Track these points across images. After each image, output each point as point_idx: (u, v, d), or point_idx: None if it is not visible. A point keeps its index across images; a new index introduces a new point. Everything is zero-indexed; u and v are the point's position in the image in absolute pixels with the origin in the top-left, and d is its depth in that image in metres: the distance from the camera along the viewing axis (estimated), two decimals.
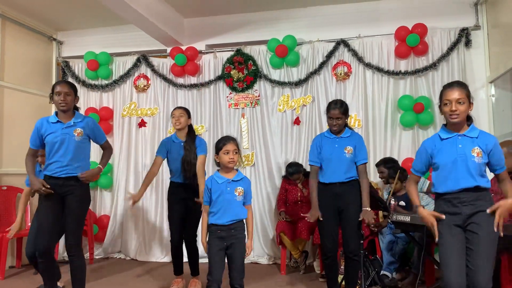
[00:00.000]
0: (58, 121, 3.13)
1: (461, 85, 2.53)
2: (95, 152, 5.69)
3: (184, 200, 3.78)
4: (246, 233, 2.82)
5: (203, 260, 4.94)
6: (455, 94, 2.46)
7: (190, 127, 3.96)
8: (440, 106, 2.58)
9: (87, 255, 5.26)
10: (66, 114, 3.16)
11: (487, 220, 2.39)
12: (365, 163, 3.32)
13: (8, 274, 4.57)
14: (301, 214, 4.22)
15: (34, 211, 4.27)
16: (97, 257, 5.40)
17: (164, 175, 5.24)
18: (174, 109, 4.00)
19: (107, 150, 3.39)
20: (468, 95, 2.50)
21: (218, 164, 2.83)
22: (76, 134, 3.11)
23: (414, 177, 2.72)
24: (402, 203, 4.10)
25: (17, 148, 5.18)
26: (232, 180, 2.76)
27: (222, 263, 2.73)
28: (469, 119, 2.56)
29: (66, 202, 3.07)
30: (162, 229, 5.31)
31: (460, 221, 2.45)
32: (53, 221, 3.02)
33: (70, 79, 5.80)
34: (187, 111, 3.94)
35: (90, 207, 5.47)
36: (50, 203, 3.05)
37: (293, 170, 4.70)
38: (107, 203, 5.66)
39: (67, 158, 3.06)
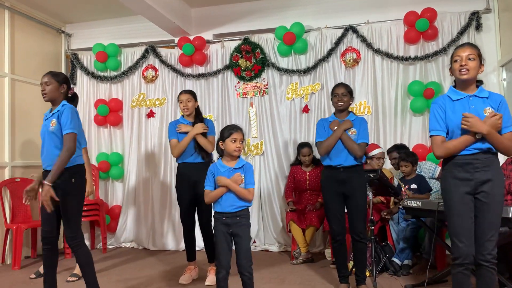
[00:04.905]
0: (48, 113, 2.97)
1: (473, 45, 2.54)
2: (105, 142, 5.78)
3: (195, 183, 3.70)
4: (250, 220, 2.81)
5: None
6: (466, 52, 2.46)
7: (198, 110, 3.93)
8: (450, 68, 2.56)
9: (100, 245, 5.35)
10: (54, 106, 2.96)
11: (496, 190, 2.40)
12: (365, 143, 3.32)
13: (23, 264, 4.65)
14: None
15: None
16: (110, 246, 5.48)
17: (173, 163, 5.28)
18: (180, 93, 3.89)
19: (61, 151, 2.83)
20: (480, 55, 2.49)
21: (220, 151, 2.81)
22: (51, 125, 2.89)
23: (438, 138, 2.50)
24: (414, 186, 4.09)
25: (29, 141, 5.26)
26: (234, 168, 2.74)
27: (229, 249, 2.72)
28: (478, 81, 2.53)
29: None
30: (174, 218, 5.35)
31: (471, 188, 2.43)
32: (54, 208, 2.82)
33: (79, 71, 5.86)
34: (193, 95, 3.89)
35: (103, 198, 5.59)
36: None
37: (302, 144, 4.78)
38: (118, 194, 5.72)
39: (48, 152, 2.90)
